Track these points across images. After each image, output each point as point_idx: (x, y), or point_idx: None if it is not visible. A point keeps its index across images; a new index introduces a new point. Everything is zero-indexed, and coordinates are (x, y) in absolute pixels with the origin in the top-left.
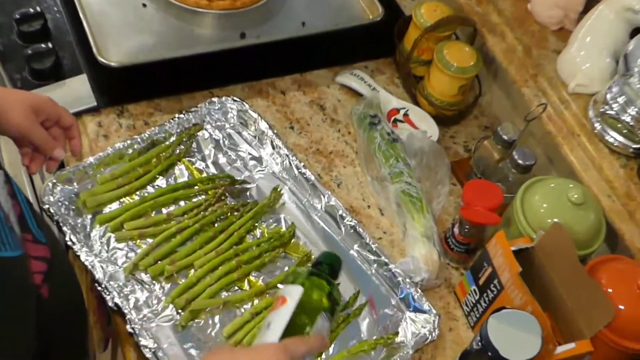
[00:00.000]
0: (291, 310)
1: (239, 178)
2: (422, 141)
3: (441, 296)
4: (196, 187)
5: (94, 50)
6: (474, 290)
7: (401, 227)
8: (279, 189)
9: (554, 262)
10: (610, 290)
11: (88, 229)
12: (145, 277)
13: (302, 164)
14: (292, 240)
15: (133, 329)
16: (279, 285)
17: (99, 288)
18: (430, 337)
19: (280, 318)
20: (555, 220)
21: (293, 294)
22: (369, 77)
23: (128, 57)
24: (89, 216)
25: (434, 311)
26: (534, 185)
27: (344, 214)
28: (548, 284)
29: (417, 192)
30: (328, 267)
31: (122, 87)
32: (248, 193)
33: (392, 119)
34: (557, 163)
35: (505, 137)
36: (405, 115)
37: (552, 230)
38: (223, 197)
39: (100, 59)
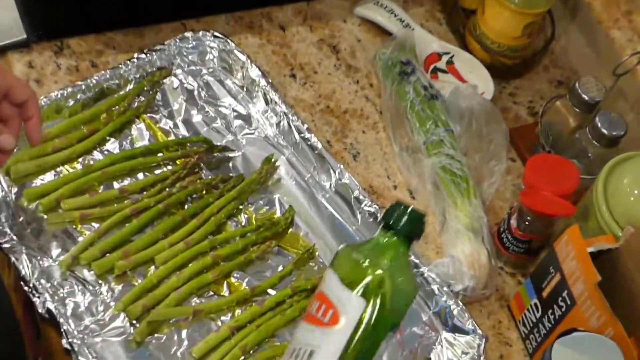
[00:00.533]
0: (347, 336)
1: (219, 143)
2: (472, 99)
3: (490, 312)
4: (160, 155)
5: None
6: (535, 304)
7: (439, 217)
8: (273, 160)
9: None
10: None
11: (12, 208)
12: (88, 274)
13: (306, 126)
14: (290, 230)
15: (71, 344)
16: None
17: (26, 288)
18: None
19: (330, 347)
20: None
21: (353, 306)
22: (400, 8)
23: None
24: (14, 190)
25: (480, 332)
26: (623, 164)
27: (360, 196)
28: (636, 299)
29: (461, 169)
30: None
31: (61, 14)
32: (231, 164)
33: (432, 67)
34: None
35: (585, 97)
36: (450, 63)
37: None
38: (197, 169)
39: None
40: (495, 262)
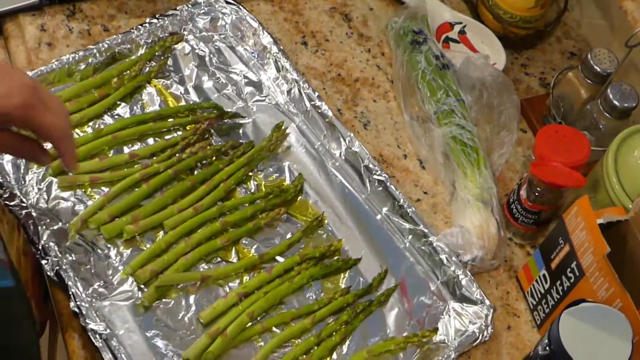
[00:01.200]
0: None
1: (229, 110)
2: (483, 69)
3: (499, 282)
4: (170, 120)
5: None
6: (544, 275)
7: (448, 187)
8: (283, 127)
9: None
10: None
11: (22, 171)
12: (97, 238)
13: (317, 94)
14: (299, 198)
15: (79, 307)
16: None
17: (34, 250)
18: (481, 337)
19: None
20: None
21: None
22: None
23: None
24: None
25: (488, 302)
26: (634, 136)
27: (370, 165)
28: None
29: (472, 140)
30: None
31: None
32: (241, 131)
33: (443, 37)
34: None
35: (597, 69)
36: (462, 32)
37: None
38: (207, 136)
39: None
40: (504, 232)
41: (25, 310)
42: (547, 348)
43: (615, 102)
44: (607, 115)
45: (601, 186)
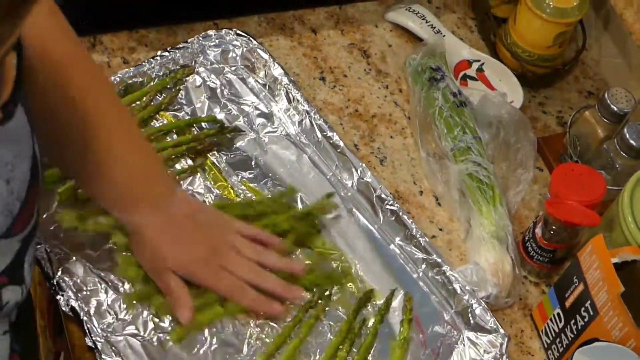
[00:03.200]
0: None
1: (241, 143)
2: (501, 107)
3: (513, 320)
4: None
5: None
6: (558, 314)
7: (464, 224)
8: (331, 197)
9: None
10: None
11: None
12: (110, 273)
13: (328, 124)
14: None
15: (94, 343)
16: None
17: (49, 285)
18: None
19: None
20: None
21: None
22: (432, 15)
23: None
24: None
25: (502, 331)
26: None
27: (383, 195)
28: None
29: (488, 177)
30: None
31: (95, 9)
32: (254, 162)
33: (461, 74)
34: None
35: (614, 108)
36: (480, 70)
37: None
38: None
39: None
40: (519, 270)
41: None
42: None
43: (632, 142)
44: (624, 154)
45: (616, 225)
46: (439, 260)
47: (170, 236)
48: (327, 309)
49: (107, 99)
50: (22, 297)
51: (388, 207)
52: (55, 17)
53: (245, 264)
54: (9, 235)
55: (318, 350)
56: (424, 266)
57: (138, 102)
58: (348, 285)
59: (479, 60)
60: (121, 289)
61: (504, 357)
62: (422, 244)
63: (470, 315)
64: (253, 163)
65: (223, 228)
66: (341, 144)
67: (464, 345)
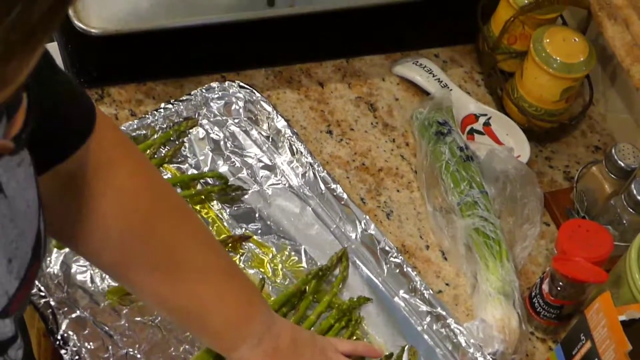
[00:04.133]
0: None
1: (231, 182)
2: (507, 162)
3: None
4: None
5: (70, 12)
6: None
7: (470, 279)
8: (344, 255)
9: None
10: None
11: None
12: (116, 326)
13: (332, 177)
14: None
15: None
16: None
17: (53, 339)
18: None
19: None
20: None
21: None
22: (439, 69)
23: (115, 23)
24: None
25: None
26: None
27: (387, 248)
28: None
29: (495, 232)
30: None
31: (104, 63)
32: (257, 214)
33: (468, 128)
34: None
35: (621, 164)
36: (486, 124)
37: None
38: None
39: (77, 23)
40: (526, 326)
41: None
42: None
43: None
44: (631, 210)
45: (624, 282)
46: (444, 313)
47: None
48: None
49: (196, 236)
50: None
51: (392, 259)
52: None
53: None
54: (7, 316)
55: None
56: (428, 319)
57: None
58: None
59: (485, 115)
60: (126, 343)
61: None
62: (427, 297)
63: None
64: (257, 215)
65: (324, 349)
66: (345, 196)
67: None
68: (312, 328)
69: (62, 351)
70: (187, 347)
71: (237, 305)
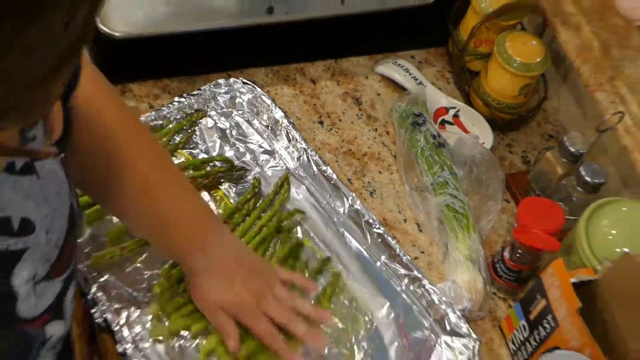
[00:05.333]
0: None
1: (248, 177)
2: (473, 148)
3: (484, 330)
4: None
5: (97, 18)
6: (523, 325)
7: (442, 248)
8: (286, 180)
9: (621, 299)
10: None
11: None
12: (140, 289)
13: (323, 160)
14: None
15: (125, 350)
16: None
17: (85, 300)
18: None
19: None
20: (626, 250)
21: None
22: (415, 68)
23: (135, 28)
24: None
25: (474, 335)
26: (603, 208)
27: (370, 220)
28: (612, 325)
29: (463, 208)
30: None
31: (125, 62)
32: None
33: (440, 119)
34: (632, 184)
35: (571, 150)
36: (455, 116)
37: (622, 261)
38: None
39: (102, 27)
40: (489, 288)
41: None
42: None
43: (587, 179)
44: (580, 189)
45: (574, 250)
46: (419, 275)
47: (221, 281)
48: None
49: (152, 155)
50: (64, 330)
51: (375, 230)
52: (96, 77)
53: (281, 311)
54: (49, 278)
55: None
56: (406, 281)
57: (159, 142)
58: (340, 297)
59: (455, 108)
60: (147, 304)
61: (476, 357)
62: (405, 262)
63: (446, 322)
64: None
65: (267, 274)
66: (334, 176)
67: (441, 348)
68: (255, 236)
69: (92, 310)
70: None
71: (196, 212)
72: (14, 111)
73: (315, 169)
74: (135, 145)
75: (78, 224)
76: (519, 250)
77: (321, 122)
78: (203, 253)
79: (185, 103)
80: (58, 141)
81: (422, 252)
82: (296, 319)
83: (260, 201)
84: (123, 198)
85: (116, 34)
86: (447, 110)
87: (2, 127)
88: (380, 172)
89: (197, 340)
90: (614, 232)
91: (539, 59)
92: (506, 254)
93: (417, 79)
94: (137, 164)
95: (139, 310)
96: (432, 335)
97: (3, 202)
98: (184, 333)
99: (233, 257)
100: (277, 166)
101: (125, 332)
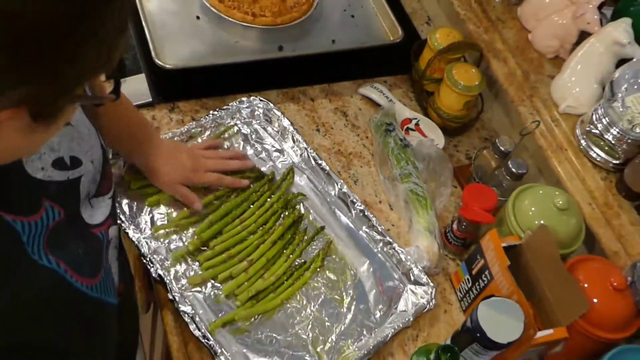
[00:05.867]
0: None
1: (263, 168)
2: (430, 148)
3: (439, 283)
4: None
5: (153, 53)
6: (468, 279)
7: (407, 222)
8: (291, 171)
9: (538, 259)
10: (586, 285)
11: (134, 210)
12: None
13: (319, 156)
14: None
15: (173, 296)
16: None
17: (144, 261)
18: (428, 306)
19: None
20: (542, 222)
21: None
22: (387, 90)
23: (181, 61)
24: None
25: (431, 284)
26: (525, 191)
27: (354, 200)
28: (532, 278)
29: (423, 192)
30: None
31: (174, 86)
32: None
33: (405, 127)
34: (546, 173)
35: (502, 149)
36: (417, 124)
37: (539, 231)
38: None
39: (157, 61)
40: (442, 251)
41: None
42: (470, 325)
43: (513, 170)
44: (508, 178)
45: (504, 222)
46: (391, 240)
47: (165, 160)
48: (318, 269)
49: (133, 114)
50: (118, 232)
51: (357, 207)
52: None
53: (217, 162)
54: (100, 195)
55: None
56: (381, 244)
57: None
58: (332, 256)
59: (416, 118)
60: (191, 262)
61: (433, 300)
62: (380, 230)
63: (411, 275)
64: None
65: (195, 148)
66: (327, 168)
67: (408, 293)
68: (268, 210)
69: (150, 267)
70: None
71: (137, 120)
72: (98, 72)
73: (313, 162)
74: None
75: (108, 155)
76: (464, 223)
77: (318, 130)
78: (147, 148)
79: (217, 115)
80: (111, 92)
81: (392, 225)
82: (229, 162)
83: (271, 185)
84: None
85: (167, 65)
86: (410, 120)
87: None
88: (361, 167)
89: (222, 288)
90: (533, 209)
91: (477, 82)
92: (455, 226)
93: (388, 98)
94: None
95: (184, 268)
96: (401, 284)
97: (55, 146)
98: (215, 284)
99: (170, 144)
100: (285, 161)
101: (174, 284)
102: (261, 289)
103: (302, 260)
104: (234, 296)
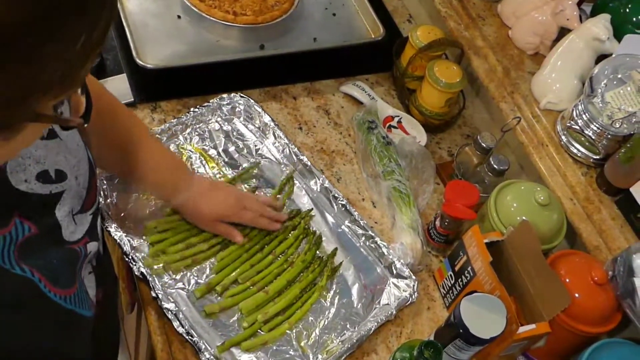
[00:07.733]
0: None
1: (245, 164)
2: (412, 145)
3: (422, 279)
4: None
5: (134, 53)
6: (450, 275)
7: (390, 219)
8: (290, 179)
9: (520, 254)
10: (567, 280)
11: (119, 207)
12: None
13: (300, 152)
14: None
15: (156, 294)
16: None
17: (127, 259)
18: (410, 299)
19: None
20: (524, 218)
21: None
22: (369, 88)
23: (163, 61)
24: (115, 194)
25: (414, 277)
26: (507, 187)
27: (336, 195)
28: (514, 273)
29: (405, 189)
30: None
31: (156, 86)
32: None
33: (387, 125)
34: (527, 169)
35: (483, 145)
36: (399, 122)
37: (520, 226)
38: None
39: (138, 61)
40: (426, 247)
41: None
42: (453, 321)
43: (495, 166)
44: (490, 174)
45: (486, 218)
46: (373, 234)
47: (205, 199)
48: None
49: (142, 131)
50: (98, 248)
51: (340, 202)
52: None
53: (258, 203)
54: (83, 212)
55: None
56: (363, 238)
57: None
58: (317, 252)
59: (398, 116)
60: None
61: (415, 293)
62: (362, 225)
63: (393, 268)
64: (255, 174)
65: (239, 193)
66: (309, 163)
67: (390, 287)
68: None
69: (132, 266)
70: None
71: (173, 162)
72: (56, 85)
73: (295, 158)
74: (130, 125)
75: (96, 172)
76: (447, 220)
77: (300, 128)
78: (185, 188)
79: (198, 112)
80: (82, 115)
81: (376, 222)
82: (267, 208)
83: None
84: (127, 162)
85: (149, 65)
86: (392, 118)
87: (54, 94)
88: (344, 164)
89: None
90: (515, 205)
91: (458, 79)
92: (437, 222)
93: (370, 96)
94: (132, 138)
95: (168, 266)
96: (383, 278)
97: (41, 159)
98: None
99: (207, 183)
100: (267, 156)
101: (157, 281)
102: (273, 314)
103: (311, 283)
104: (246, 315)
